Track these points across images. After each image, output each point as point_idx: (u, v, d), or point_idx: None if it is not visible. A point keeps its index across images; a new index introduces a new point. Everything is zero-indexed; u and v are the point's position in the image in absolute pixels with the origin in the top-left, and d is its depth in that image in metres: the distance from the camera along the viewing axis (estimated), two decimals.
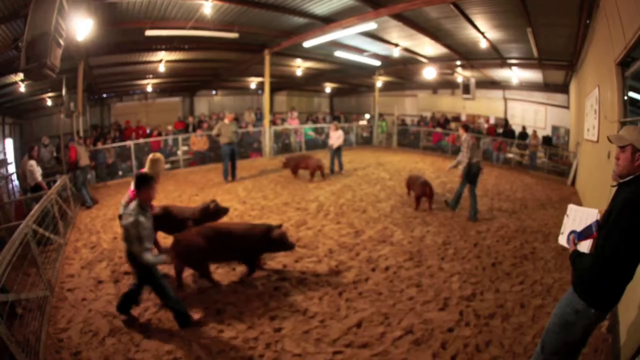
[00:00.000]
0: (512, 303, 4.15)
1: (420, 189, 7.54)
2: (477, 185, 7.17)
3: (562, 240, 2.48)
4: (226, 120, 10.21)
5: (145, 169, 4.56)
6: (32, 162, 7.62)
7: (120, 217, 4.79)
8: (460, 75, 14.93)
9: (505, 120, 15.65)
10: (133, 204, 3.50)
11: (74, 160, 8.75)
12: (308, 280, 4.71)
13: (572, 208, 2.49)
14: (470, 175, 7.02)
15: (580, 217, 2.39)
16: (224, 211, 5.56)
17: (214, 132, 10.21)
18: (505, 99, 16.26)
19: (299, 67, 15.32)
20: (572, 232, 2.38)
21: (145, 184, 3.50)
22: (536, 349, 2.57)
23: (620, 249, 2.01)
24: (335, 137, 10.92)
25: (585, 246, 2.29)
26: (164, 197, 8.70)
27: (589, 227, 2.27)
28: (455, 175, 9.08)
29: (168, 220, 5.17)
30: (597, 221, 2.24)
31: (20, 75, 8.99)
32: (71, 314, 4.03)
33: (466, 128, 7.30)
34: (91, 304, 4.21)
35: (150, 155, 4.68)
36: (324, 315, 3.96)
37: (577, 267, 2.26)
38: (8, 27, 6.51)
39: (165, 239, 5.93)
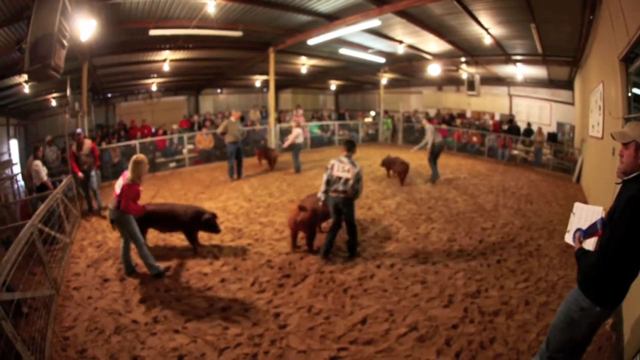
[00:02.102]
0: (517, 300, 4.14)
1: (400, 167, 9.68)
2: (438, 159, 9.74)
3: (568, 238, 2.48)
4: (232, 118, 10.22)
5: (129, 172, 4.58)
6: (38, 162, 7.66)
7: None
8: (465, 71, 14.82)
9: (512, 117, 15.55)
10: (348, 159, 4.97)
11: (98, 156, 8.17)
12: (313, 277, 4.73)
13: (578, 206, 2.49)
14: (435, 153, 9.57)
15: (585, 214, 2.38)
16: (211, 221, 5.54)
17: (220, 129, 10.19)
18: (510, 96, 16.16)
19: (304, 64, 15.26)
20: (578, 229, 2.37)
21: (355, 146, 5.15)
22: (541, 346, 2.57)
23: (624, 246, 2.00)
24: (294, 135, 10.76)
25: (590, 244, 2.27)
26: (169, 195, 8.74)
27: (594, 225, 2.26)
28: (457, 171, 9.29)
29: (163, 217, 5.38)
30: (602, 219, 2.23)
31: (25, 77, 9.01)
32: (77, 312, 4.06)
33: (429, 120, 10.14)
34: (97, 302, 4.24)
35: (134, 157, 4.63)
36: (329, 312, 3.97)
37: (582, 264, 2.25)
38: (11, 29, 6.53)
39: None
